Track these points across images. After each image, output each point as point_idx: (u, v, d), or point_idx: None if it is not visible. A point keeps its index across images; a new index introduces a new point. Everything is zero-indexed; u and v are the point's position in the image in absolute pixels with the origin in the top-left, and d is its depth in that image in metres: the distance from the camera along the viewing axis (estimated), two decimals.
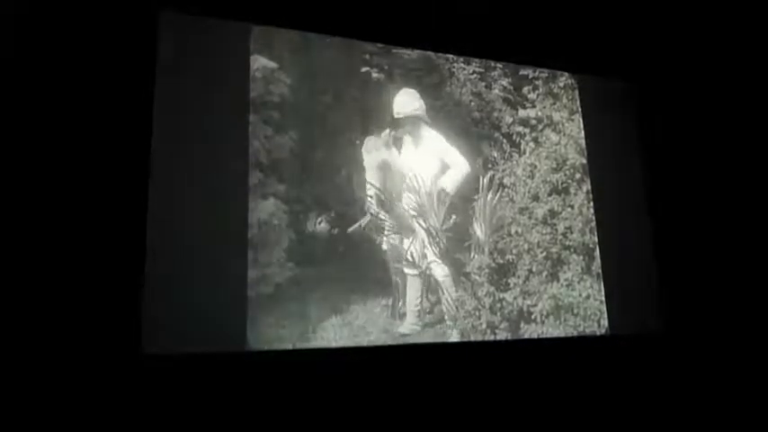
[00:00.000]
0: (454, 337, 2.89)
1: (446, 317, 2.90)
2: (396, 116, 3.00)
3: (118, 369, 2.17)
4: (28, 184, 2.19)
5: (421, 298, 2.90)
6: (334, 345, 2.63)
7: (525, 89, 3.34)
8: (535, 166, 3.26)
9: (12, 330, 2.07)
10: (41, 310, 2.12)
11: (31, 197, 2.19)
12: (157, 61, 2.49)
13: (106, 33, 2.40)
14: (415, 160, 3.02)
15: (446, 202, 3.02)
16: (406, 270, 2.91)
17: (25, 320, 2.09)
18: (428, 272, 2.94)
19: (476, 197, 3.09)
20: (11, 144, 2.19)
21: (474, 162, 3.12)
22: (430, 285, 2.93)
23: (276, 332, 2.53)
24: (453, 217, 3.02)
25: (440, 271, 2.96)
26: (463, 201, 3.07)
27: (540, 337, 3.02)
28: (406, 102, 3.03)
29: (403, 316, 2.84)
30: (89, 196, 2.26)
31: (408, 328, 2.83)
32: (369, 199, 2.87)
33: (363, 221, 2.83)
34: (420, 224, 2.97)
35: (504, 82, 3.30)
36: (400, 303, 2.85)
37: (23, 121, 2.22)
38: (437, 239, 2.98)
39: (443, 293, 2.93)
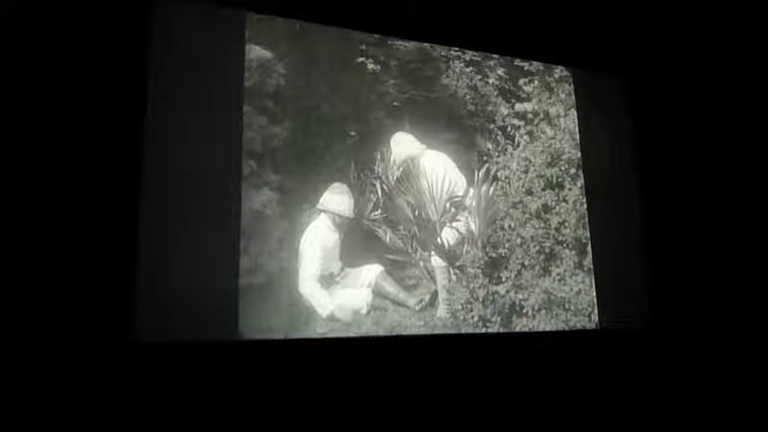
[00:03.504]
0: (446, 328, 2.89)
1: (439, 308, 2.91)
2: (397, 159, 2.98)
3: (109, 357, 2.16)
4: (21, 173, 2.18)
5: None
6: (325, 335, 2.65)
7: (521, 81, 3.35)
8: (530, 161, 3.26)
9: (2, 319, 2.07)
10: (33, 297, 2.11)
11: (25, 186, 2.18)
12: (151, 49, 2.47)
13: (100, 20, 2.38)
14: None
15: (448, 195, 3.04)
16: (401, 259, 2.92)
17: (17, 309, 2.09)
18: (422, 263, 2.95)
19: (470, 189, 3.10)
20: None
21: (468, 156, 3.13)
22: (423, 276, 2.94)
23: (267, 322, 2.53)
24: (453, 210, 3.03)
25: (434, 262, 2.97)
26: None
27: (532, 330, 3.03)
28: (404, 149, 3.01)
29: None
30: (81, 185, 2.25)
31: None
32: None
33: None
34: (417, 215, 2.98)
35: (500, 71, 3.30)
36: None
37: (13, 108, 2.21)
38: (433, 231, 2.99)
39: (436, 285, 2.94)
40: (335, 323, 2.69)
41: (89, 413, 2.10)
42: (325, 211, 2.78)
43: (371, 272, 2.85)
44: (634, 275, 3.31)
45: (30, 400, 2.05)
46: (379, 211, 2.91)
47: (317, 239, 2.74)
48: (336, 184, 2.82)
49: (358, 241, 2.86)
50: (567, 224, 3.25)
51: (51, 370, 2.09)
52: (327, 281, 2.76)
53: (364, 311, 2.77)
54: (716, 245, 3.33)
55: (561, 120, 3.39)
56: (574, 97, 3.44)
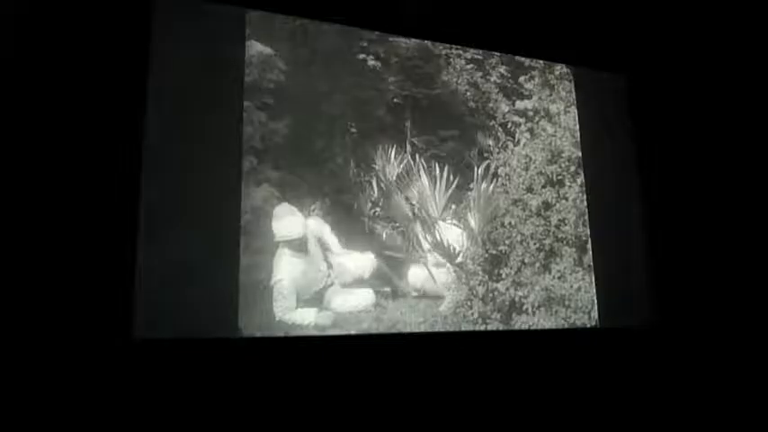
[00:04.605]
0: (446, 325, 2.90)
1: (439, 305, 2.91)
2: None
3: (109, 354, 2.17)
4: (22, 173, 2.18)
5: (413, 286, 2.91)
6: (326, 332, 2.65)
7: (522, 78, 3.34)
8: (530, 158, 3.26)
9: (4, 317, 2.07)
10: (34, 295, 2.12)
11: (26, 185, 2.18)
12: (152, 46, 2.46)
13: (100, 18, 2.37)
14: None
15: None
16: (400, 257, 2.92)
17: (18, 307, 2.09)
18: (423, 260, 2.95)
19: (470, 186, 3.09)
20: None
21: (469, 153, 3.12)
22: (424, 273, 2.94)
23: (267, 319, 2.54)
24: (453, 207, 3.04)
25: (434, 259, 2.97)
26: (458, 190, 3.07)
27: (532, 328, 3.04)
28: (284, 228, 2.71)
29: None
30: (82, 183, 2.25)
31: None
32: None
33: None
34: (416, 213, 2.98)
35: (502, 69, 3.29)
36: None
37: (13, 108, 2.21)
38: (433, 229, 2.99)
39: (436, 282, 2.94)
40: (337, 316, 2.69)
41: (89, 410, 2.11)
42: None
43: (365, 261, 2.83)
44: (634, 273, 3.31)
45: (30, 397, 2.05)
46: (378, 208, 2.91)
47: (282, 275, 2.63)
48: (277, 209, 2.67)
49: (357, 239, 2.85)
50: (567, 221, 3.25)
51: (52, 367, 2.10)
52: (316, 296, 2.71)
53: (369, 310, 2.76)
54: (716, 243, 3.33)
55: (561, 117, 3.39)
56: (574, 95, 3.43)
